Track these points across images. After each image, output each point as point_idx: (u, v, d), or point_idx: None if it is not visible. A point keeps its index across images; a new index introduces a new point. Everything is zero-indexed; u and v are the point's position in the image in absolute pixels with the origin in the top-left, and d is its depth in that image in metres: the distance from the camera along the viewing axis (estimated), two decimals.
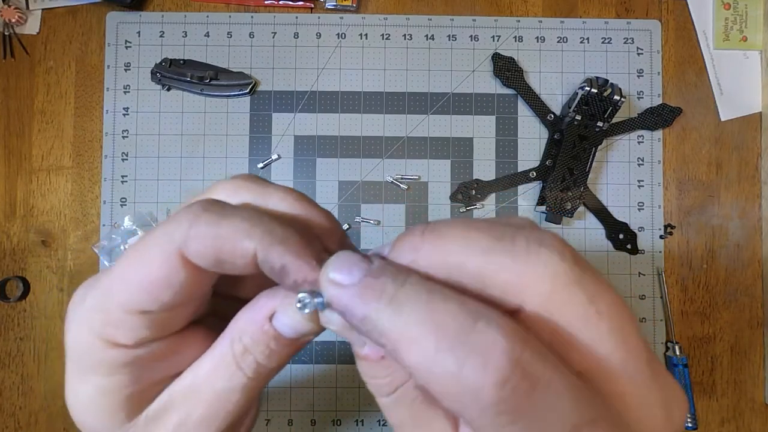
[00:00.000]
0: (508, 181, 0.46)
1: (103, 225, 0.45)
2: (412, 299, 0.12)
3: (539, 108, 0.46)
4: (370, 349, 0.14)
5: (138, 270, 0.15)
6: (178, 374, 0.16)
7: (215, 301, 0.18)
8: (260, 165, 0.45)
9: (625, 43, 0.47)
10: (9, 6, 0.44)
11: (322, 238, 0.16)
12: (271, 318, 0.15)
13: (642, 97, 0.46)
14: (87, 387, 0.16)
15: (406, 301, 0.12)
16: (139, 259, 0.15)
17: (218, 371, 0.16)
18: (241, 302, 0.17)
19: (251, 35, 0.46)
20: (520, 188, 0.46)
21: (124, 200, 0.45)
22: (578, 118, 0.43)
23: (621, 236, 0.45)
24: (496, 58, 0.46)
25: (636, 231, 0.46)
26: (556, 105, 0.46)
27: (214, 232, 0.14)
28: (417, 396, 0.15)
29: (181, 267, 0.14)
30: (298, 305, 0.14)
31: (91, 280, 0.16)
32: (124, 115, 0.46)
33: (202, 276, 0.15)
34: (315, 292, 0.14)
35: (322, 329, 0.16)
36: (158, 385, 0.16)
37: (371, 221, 0.45)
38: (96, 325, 0.15)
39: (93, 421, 0.16)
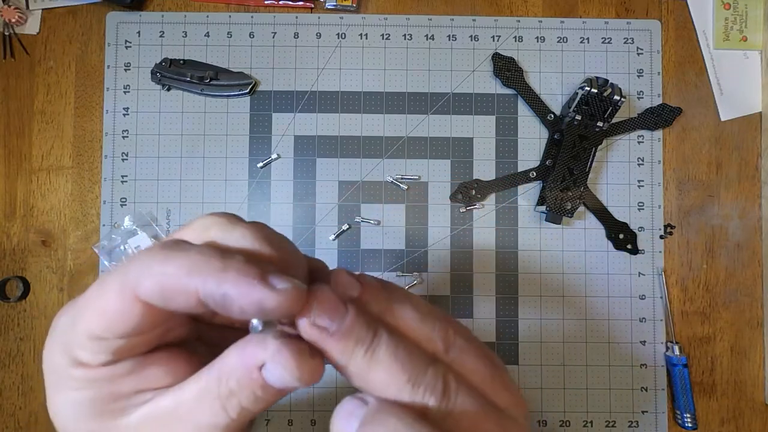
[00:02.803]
0: (508, 181, 0.46)
1: (103, 225, 0.45)
2: (383, 355, 0.16)
3: (539, 108, 0.46)
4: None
5: (97, 302, 0.16)
6: (151, 390, 0.17)
7: (201, 327, 0.20)
8: (260, 165, 0.45)
9: (625, 43, 0.47)
10: (9, 6, 0.44)
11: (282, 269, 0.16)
12: (260, 367, 0.15)
13: (642, 97, 0.46)
14: (62, 399, 0.17)
15: (379, 357, 0.16)
16: (100, 292, 0.16)
17: (202, 406, 0.16)
18: (227, 329, 0.19)
19: (251, 35, 0.46)
20: (520, 188, 0.46)
21: (124, 200, 0.45)
22: (578, 118, 0.43)
23: (621, 236, 0.45)
24: (496, 58, 0.46)
25: (636, 231, 0.46)
26: (556, 105, 0.46)
27: (161, 271, 0.15)
28: None
29: (134, 304, 0.15)
30: (252, 331, 0.15)
31: (68, 304, 0.17)
32: (124, 115, 0.46)
33: (157, 311, 0.16)
34: (267, 322, 0.15)
35: (311, 384, 0.16)
36: (130, 397, 0.17)
37: (371, 221, 0.45)
38: (64, 346, 0.16)
39: (71, 428, 0.17)
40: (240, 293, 0.14)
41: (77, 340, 0.16)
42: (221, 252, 0.15)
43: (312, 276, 0.18)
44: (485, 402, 0.16)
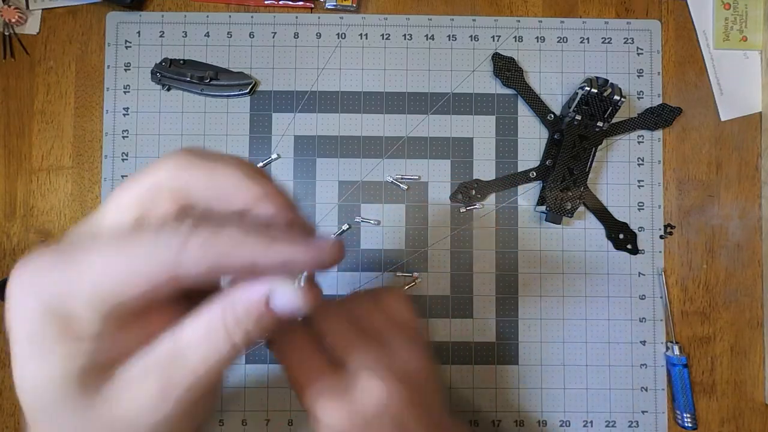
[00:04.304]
0: (508, 181, 0.46)
1: None
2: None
3: (539, 108, 0.46)
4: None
5: (119, 269, 0.15)
6: (138, 348, 0.16)
7: None
8: (260, 164, 0.45)
9: (625, 43, 0.47)
10: (9, 6, 0.44)
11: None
12: (266, 299, 0.17)
13: (642, 97, 0.46)
14: (41, 372, 0.15)
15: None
16: (126, 258, 0.15)
17: (207, 338, 0.16)
18: None
19: (251, 35, 0.46)
20: (520, 188, 0.46)
21: None
22: (578, 118, 0.43)
23: (621, 236, 0.45)
24: (496, 58, 0.46)
25: (636, 231, 0.46)
26: (556, 105, 0.46)
27: (213, 252, 0.15)
28: None
29: (167, 280, 0.15)
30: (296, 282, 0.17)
31: (47, 254, 0.15)
32: (124, 115, 0.46)
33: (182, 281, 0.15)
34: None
35: (307, 308, 0.18)
36: (120, 359, 0.16)
37: (371, 221, 0.45)
38: (53, 305, 0.14)
39: (46, 402, 0.15)
40: (299, 257, 0.16)
41: (78, 300, 0.14)
42: (251, 223, 0.16)
43: None
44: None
